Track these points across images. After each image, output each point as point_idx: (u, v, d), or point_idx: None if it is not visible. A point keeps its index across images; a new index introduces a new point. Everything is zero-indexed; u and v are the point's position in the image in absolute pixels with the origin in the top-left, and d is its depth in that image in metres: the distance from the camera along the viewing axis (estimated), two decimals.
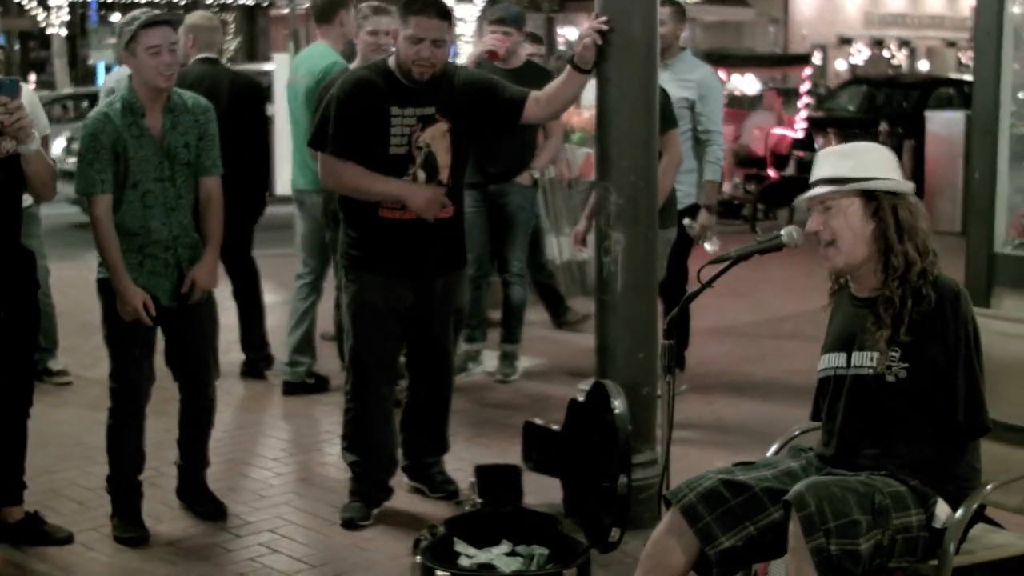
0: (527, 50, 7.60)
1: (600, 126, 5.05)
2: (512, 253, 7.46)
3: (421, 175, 5.05)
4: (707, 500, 3.52)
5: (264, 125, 7.61)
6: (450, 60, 5.23)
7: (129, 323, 4.95)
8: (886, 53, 46.38)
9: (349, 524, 5.26)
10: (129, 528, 5.10)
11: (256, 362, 7.59)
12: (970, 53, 44.91)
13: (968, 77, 21.47)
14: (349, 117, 5.04)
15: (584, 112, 10.50)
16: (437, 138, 5.05)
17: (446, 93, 5.07)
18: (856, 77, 27.62)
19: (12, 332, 4.86)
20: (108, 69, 24.27)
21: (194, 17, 7.65)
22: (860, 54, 45.33)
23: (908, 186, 3.66)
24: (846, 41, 45.16)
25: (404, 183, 5.03)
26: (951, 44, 47.61)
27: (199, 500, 5.35)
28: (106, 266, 4.93)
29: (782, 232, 3.74)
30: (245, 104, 7.22)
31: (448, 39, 5.05)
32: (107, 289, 4.99)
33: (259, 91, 7.65)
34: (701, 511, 3.51)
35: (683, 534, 3.55)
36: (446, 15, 5.03)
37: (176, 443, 5.36)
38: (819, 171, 3.70)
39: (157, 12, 5.03)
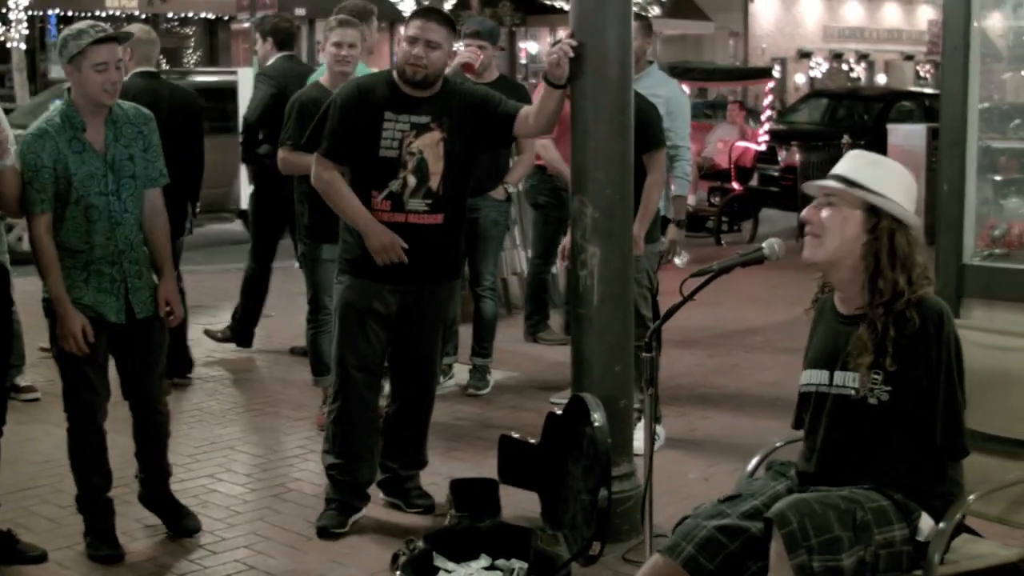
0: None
1: (575, 140, 5.06)
2: (484, 267, 7.49)
3: (412, 180, 5.10)
4: (706, 550, 3.52)
5: (200, 140, 7.57)
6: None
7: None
8: (845, 66, 46.72)
9: (323, 532, 5.26)
10: (102, 546, 5.04)
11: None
12: (927, 66, 45.37)
13: (928, 90, 21.69)
14: (344, 121, 5.14)
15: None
16: (430, 146, 5.10)
17: (444, 104, 5.14)
18: (816, 90, 27.79)
19: None
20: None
21: (132, 29, 7.61)
22: (819, 67, 45.64)
23: (915, 220, 3.62)
24: (805, 55, 45.46)
25: (371, 220, 5.08)
26: (908, 57, 48.02)
27: (167, 510, 5.29)
28: (47, 288, 4.84)
29: (763, 245, 3.74)
30: (184, 118, 7.25)
31: (445, 45, 5.11)
32: (53, 309, 4.87)
33: (197, 106, 7.65)
34: (703, 562, 3.51)
35: None
36: (446, 22, 5.14)
37: (134, 455, 5.28)
38: (841, 167, 3.67)
39: (103, 27, 4.92)
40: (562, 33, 6.97)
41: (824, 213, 3.62)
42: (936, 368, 3.51)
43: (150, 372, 5.14)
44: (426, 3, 26.36)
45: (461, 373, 7.74)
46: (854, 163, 3.68)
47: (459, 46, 6.94)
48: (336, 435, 5.34)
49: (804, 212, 3.68)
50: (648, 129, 6.23)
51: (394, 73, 5.18)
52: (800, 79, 44.45)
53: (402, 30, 5.94)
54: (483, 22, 7.43)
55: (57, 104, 4.95)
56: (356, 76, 5.85)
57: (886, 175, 3.64)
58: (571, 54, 4.92)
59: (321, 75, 6.79)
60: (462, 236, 5.43)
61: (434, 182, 5.12)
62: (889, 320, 3.52)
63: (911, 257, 3.56)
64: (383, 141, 5.09)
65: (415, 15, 5.13)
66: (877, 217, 3.57)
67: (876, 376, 3.53)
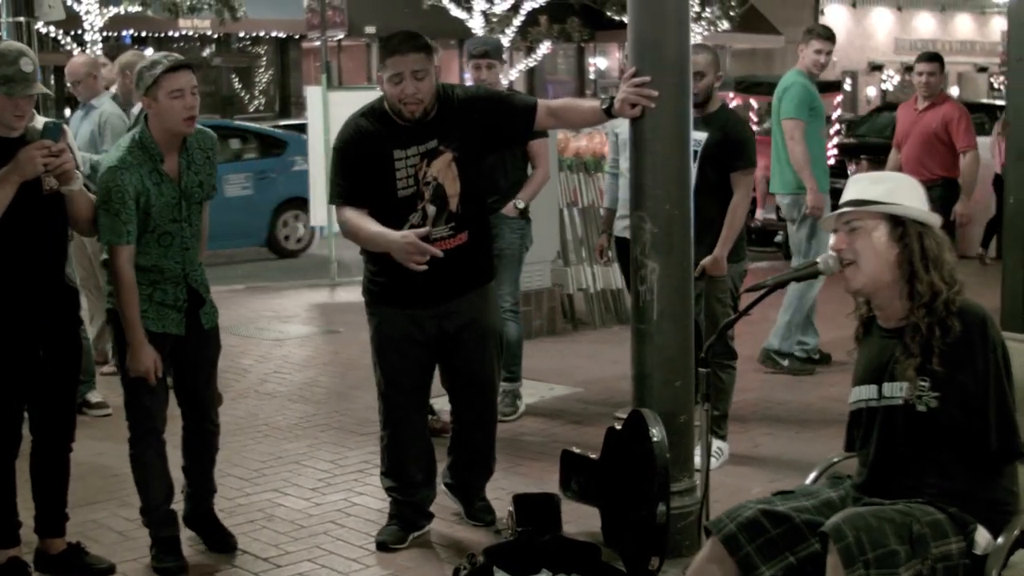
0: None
1: (634, 155, 5.07)
2: (502, 289, 7.15)
3: (431, 209, 5.06)
4: (748, 530, 3.53)
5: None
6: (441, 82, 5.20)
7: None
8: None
9: (382, 547, 5.31)
10: (166, 559, 5.12)
11: None
12: (1001, 78, 44.85)
13: (1001, 102, 21.40)
14: (349, 165, 5.10)
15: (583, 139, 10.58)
16: (443, 169, 5.06)
17: (445, 121, 5.07)
18: (886, 103, 27.53)
19: (54, 368, 4.93)
20: None
21: (129, 56, 7.72)
22: (891, 80, 45.24)
23: (936, 219, 3.68)
24: (876, 67, 45.06)
25: (384, 232, 4.97)
26: (982, 69, 47.45)
27: (208, 529, 5.37)
28: (122, 319, 4.90)
29: (819, 259, 3.76)
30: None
31: (430, 67, 5.00)
32: (119, 320, 4.97)
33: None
34: (742, 541, 3.52)
35: (723, 562, 3.56)
36: (421, 47, 5.00)
37: (182, 471, 5.36)
38: (849, 194, 3.73)
39: (176, 56, 5.00)
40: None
41: (852, 239, 3.66)
42: (983, 373, 3.50)
43: (208, 382, 5.27)
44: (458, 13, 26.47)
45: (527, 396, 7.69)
46: (858, 186, 3.74)
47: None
48: (390, 461, 5.40)
49: (833, 242, 3.71)
50: (739, 148, 6.22)
51: (385, 105, 5.09)
52: (871, 92, 44.07)
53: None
54: (488, 40, 7.45)
55: (130, 135, 5.02)
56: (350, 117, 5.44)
57: (892, 186, 3.70)
58: (652, 105, 4.88)
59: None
60: (490, 242, 5.40)
61: (453, 204, 5.08)
62: (933, 322, 3.55)
63: (941, 256, 3.61)
64: (398, 182, 5.03)
65: (386, 52, 4.99)
66: (902, 225, 3.62)
67: (923, 383, 3.54)
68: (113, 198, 4.83)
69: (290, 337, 10.04)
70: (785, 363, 8.34)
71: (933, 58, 9.26)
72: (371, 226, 5.03)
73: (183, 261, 5.01)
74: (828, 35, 8.42)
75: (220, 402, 5.44)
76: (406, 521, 5.40)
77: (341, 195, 5.13)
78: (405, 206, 5.05)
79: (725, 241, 6.19)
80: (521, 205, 7.18)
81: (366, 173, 5.06)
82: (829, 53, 8.33)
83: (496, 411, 5.65)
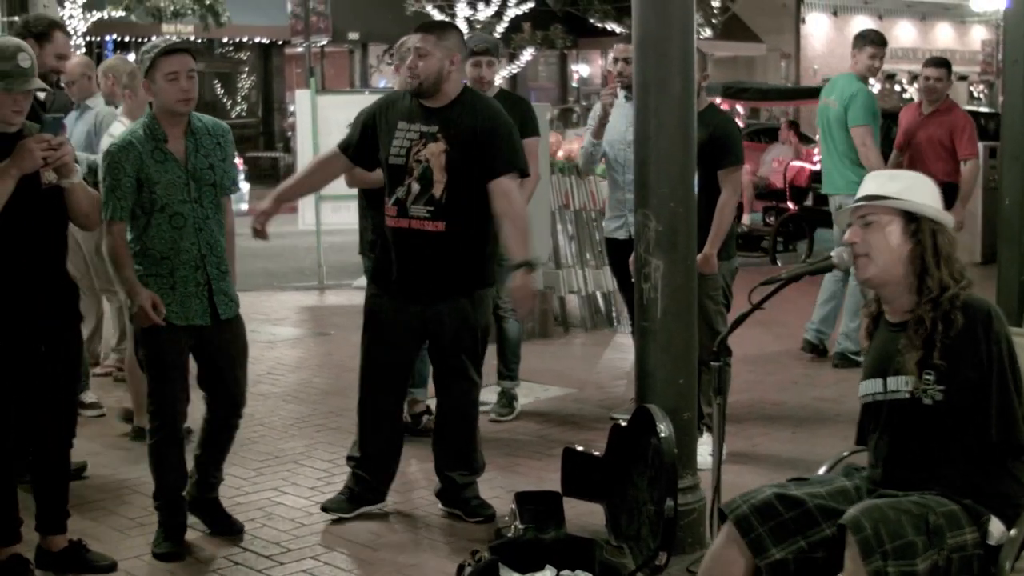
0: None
1: (638, 154, 5.08)
2: (502, 287, 7.33)
3: (416, 187, 5.34)
4: (760, 512, 3.56)
5: None
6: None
7: (161, 344, 5.06)
8: (897, 87, 46.45)
9: (325, 509, 5.62)
10: (164, 543, 5.20)
11: None
12: (981, 86, 45.10)
13: (983, 109, 21.52)
14: (364, 120, 5.53)
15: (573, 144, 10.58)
16: (435, 155, 5.30)
17: (454, 116, 5.33)
18: None
19: (54, 365, 4.92)
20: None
21: (114, 60, 7.73)
22: (872, 88, 45.41)
23: (949, 218, 3.74)
24: None
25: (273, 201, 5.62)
26: (962, 78, 47.64)
27: (213, 516, 5.45)
28: (119, 280, 5.09)
29: (832, 253, 3.78)
30: None
31: (436, 51, 5.29)
32: (140, 317, 5.06)
33: None
34: (754, 522, 3.55)
35: (740, 546, 3.58)
36: (435, 29, 5.42)
37: (194, 459, 5.42)
38: (865, 189, 3.77)
39: (175, 40, 5.20)
40: (612, 55, 7.03)
41: (866, 232, 3.69)
42: (988, 366, 3.53)
43: (239, 370, 5.36)
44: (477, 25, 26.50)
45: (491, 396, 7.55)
46: (875, 182, 3.79)
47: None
48: (358, 434, 5.64)
49: (847, 235, 3.75)
50: (726, 146, 6.25)
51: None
52: None
53: None
54: (489, 37, 7.49)
55: (141, 119, 5.18)
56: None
57: (909, 183, 3.76)
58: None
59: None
60: (482, 247, 5.44)
61: (437, 190, 5.30)
62: (937, 316, 3.58)
63: (952, 255, 3.67)
64: (392, 149, 5.37)
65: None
66: (916, 222, 3.66)
67: (928, 376, 3.57)
68: (110, 175, 5.00)
69: (281, 339, 10.02)
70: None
71: (941, 63, 9.33)
72: (303, 177, 5.95)
73: (199, 242, 5.10)
74: (881, 41, 8.82)
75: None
76: (355, 494, 5.61)
77: (342, 142, 5.66)
78: (396, 175, 5.37)
79: (714, 239, 6.24)
80: None
81: (371, 134, 5.47)
82: (882, 58, 8.70)
83: (475, 406, 5.71)
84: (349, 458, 5.70)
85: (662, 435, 4.48)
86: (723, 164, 6.24)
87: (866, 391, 3.79)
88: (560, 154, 10.50)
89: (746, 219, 15.59)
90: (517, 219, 5.31)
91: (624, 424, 4.92)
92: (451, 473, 5.64)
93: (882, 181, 3.77)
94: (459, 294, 5.43)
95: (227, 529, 5.42)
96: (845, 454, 4.05)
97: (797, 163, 15.69)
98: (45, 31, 6.53)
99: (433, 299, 5.40)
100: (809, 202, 15.43)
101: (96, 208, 4.99)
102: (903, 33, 47.52)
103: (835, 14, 44.35)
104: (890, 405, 3.68)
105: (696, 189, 5.15)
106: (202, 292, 5.12)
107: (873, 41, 8.70)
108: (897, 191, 3.69)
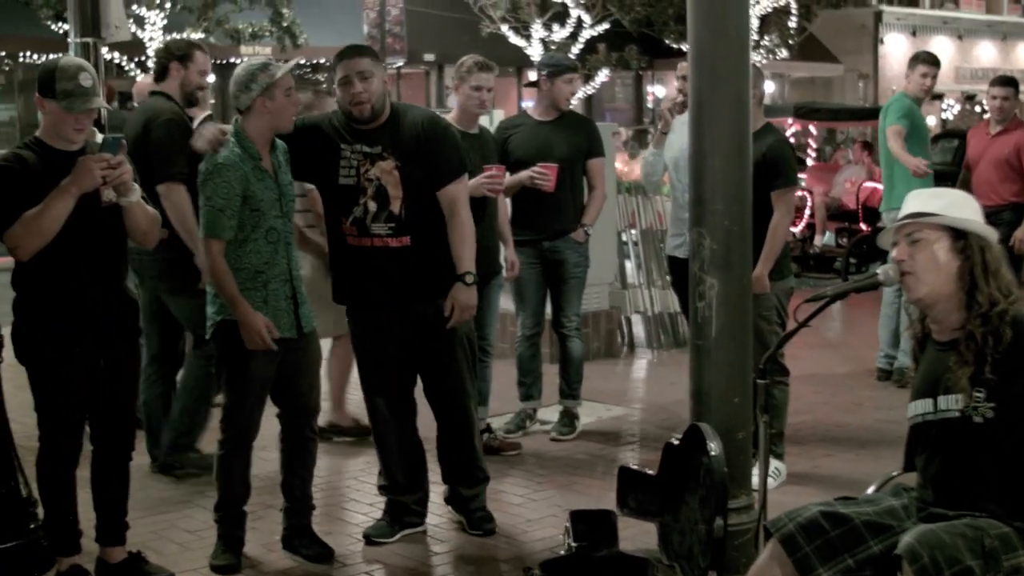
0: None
1: (693, 170, 5.07)
2: (569, 308, 7.33)
3: (372, 205, 5.32)
4: (806, 530, 3.53)
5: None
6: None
7: (252, 359, 5.10)
8: (977, 108, 45.89)
9: (368, 539, 5.56)
10: (223, 556, 5.26)
11: None
12: None
13: None
14: (298, 149, 5.35)
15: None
16: (387, 172, 5.31)
17: (392, 134, 5.34)
18: (947, 131, 27.33)
19: (114, 378, 4.99)
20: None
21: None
22: (951, 109, 44.91)
23: (993, 233, 3.70)
24: (937, 96, 44.74)
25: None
26: None
27: (306, 543, 5.43)
28: (226, 300, 5.06)
29: (878, 270, 3.75)
30: None
31: (376, 71, 5.30)
32: (221, 332, 5.13)
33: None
34: (800, 541, 3.52)
35: (784, 564, 3.55)
36: (367, 52, 5.44)
37: (280, 487, 5.43)
38: (909, 207, 3.74)
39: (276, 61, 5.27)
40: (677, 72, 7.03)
41: (913, 249, 3.66)
42: None
43: (315, 378, 5.46)
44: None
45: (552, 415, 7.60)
46: (918, 201, 3.75)
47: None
48: (380, 459, 5.68)
49: (895, 253, 3.71)
50: (778, 166, 6.21)
51: (339, 112, 5.42)
52: (931, 121, 43.78)
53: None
54: (566, 57, 7.50)
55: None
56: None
57: (953, 200, 3.73)
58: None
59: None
60: (448, 255, 5.39)
61: (395, 206, 5.31)
62: (987, 331, 3.54)
63: (999, 270, 3.62)
64: (341, 170, 5.34)
65: (338, 59, 5.35)
66: (964, 238, 3.62)
67: (979, 393, 3.52)
68: (220, 192, 5.03)
69: None
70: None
71: (1008, 82, 9.23)
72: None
73: (287, 257, 5.19)
74: (933, 60, 8.75)
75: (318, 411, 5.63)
76: (394, 518, 5.63)
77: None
78: (348, 195, 5.34)
79: (765, 260, 6.19)
80: (591, 231, 7.23)
81: (314, 156, 5.37)
82: (934, 77, 8.66)
83: (473, 418, 5.70)
84: (380, 487, 5.72)
85: (712, 454, 4.45)
86: (776, 185, 6.20)
87: (916, 412, 3.74)
88: (631, 176, 10.49)
89: (819, 240, 15.47)
90: (461, 227, 5.37)
91: (676, 443, 4.90)
92: (455, 485, 5.74)
93: (924, 199, 3.74)
94: (436, 296, 5.41)
95: (320, 556, 5.38)
96: (894, 473, 4.00)
97: (870, 184, 15.52)
98: (186, 52, 6.68)
99: (409, 305, 5.42)
100: (883, 223, 15.25)
101: (154, 226, 5.05)
102: (984, 53, 46.97)
103: (914, 34, 43.93)
104: (940, 425, 3.63)
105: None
106: (290, 306, 5.20)
107: (925, 60, 8.67)
108: (941, 208, 3.66)
